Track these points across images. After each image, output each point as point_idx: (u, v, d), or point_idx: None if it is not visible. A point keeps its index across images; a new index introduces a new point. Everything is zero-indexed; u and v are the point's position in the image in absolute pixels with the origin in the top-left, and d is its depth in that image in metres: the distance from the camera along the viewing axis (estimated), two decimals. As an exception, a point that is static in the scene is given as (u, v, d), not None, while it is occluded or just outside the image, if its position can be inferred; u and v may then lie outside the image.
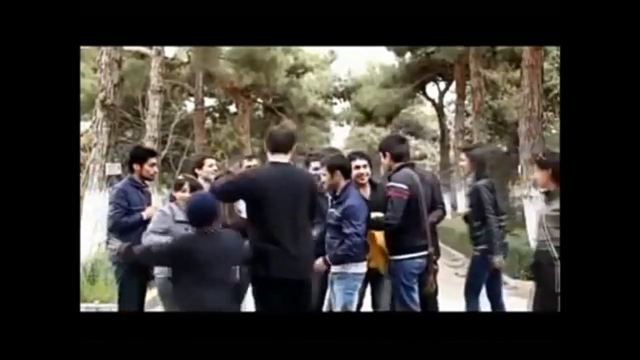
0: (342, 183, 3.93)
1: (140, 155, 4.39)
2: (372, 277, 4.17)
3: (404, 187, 3.91)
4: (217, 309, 3.11)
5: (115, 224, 4.13)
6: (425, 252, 4.04)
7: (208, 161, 4.55)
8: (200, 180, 4.42)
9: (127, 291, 4.17)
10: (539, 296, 3.46)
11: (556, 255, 3.24)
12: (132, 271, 4.02)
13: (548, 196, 3.51)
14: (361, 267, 3.96)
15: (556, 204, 3.25)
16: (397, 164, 4.06)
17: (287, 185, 3.35)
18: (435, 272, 4.16)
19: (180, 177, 4.27)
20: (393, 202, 3.90)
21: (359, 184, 4.11)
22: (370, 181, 4.21)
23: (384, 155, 4.16)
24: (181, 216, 3.72)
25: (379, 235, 4.09)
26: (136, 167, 4.31)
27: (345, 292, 3.91)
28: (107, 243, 4.21)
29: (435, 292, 4.26)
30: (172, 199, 4.01)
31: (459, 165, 4.75)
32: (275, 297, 3.31)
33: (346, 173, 3.95)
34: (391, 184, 3.96)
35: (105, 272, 6.81)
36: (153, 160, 4.38)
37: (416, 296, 4.04)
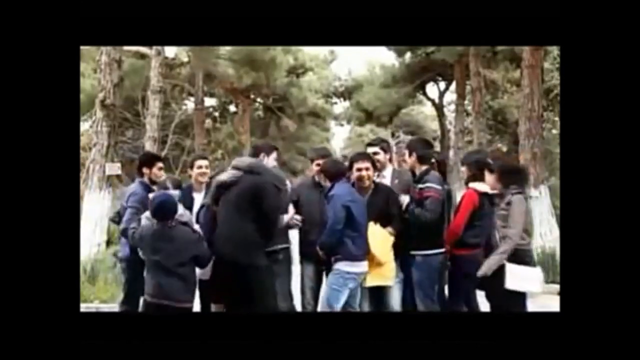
0: (328, 183, 4.13)
1: (149, 160, 4.71)
2: (380, 291, 4.16)
3: (440, 188, 4.09)
4: (170, 296, 3.57)
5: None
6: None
7: (198, 162, 4.62)
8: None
9: (134, 290, 4.27)
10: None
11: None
12: (140, 271, 4.02)
13: (499, 197, 4.09)
14: (352, 267, 3.96)
15: (502, 204, 4.01)
16: (425, 167, 4.21)
17: (235, 187, 3.90)
18: None
19: None
20: (432, 202, 4.04)
21: (360, 187, 4.15)
22: (375, 183, 4.27)
23: (410, 155, 4.31)
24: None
25: (376, 247, 4.05)
26: (145, 171, 4.59)
27: (332, 287, 3.97)
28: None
29: None
30: None
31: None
32: (220, 275, 3.86)
33: (330, 176, 4.11)
34: (428, 185, 4.09)
35: (105, 272, 6.80)
36: (160, 164, 4.71)
37: None
